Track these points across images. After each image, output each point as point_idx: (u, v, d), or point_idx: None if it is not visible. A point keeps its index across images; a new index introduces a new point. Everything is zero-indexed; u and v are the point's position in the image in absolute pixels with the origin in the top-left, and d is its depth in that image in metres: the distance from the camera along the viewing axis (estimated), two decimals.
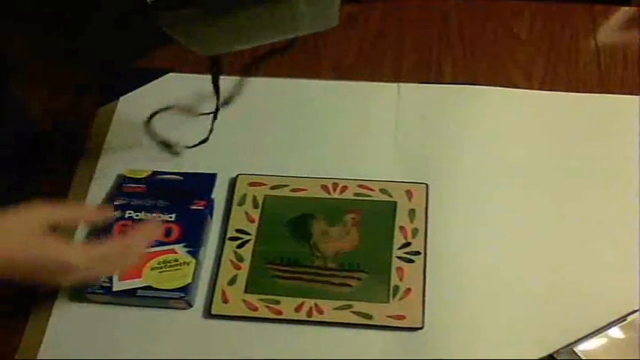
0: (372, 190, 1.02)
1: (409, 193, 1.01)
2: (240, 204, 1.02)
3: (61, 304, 0.96)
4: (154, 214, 0.99)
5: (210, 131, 1.05)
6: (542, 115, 1.10)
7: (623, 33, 1.20)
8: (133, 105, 1.15)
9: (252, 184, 1.04)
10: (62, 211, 0.83)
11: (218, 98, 1.01)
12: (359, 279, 0.95)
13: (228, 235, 1.00)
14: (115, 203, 1.00)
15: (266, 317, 0.93)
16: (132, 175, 1.04)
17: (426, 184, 1.02)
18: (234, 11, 0.81)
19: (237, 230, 1.00)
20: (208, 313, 0.94)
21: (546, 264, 0.96)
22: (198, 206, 1.00)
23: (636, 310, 0.91)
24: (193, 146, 1.07)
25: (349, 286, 0.94)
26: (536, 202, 1.02)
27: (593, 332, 0.89)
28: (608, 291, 0.94)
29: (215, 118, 1.04)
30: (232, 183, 1.05)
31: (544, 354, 0.89)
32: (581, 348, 0.88)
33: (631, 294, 0.93)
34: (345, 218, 1.00)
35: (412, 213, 0.99)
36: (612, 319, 0.90)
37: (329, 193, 1.02)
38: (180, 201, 1.00)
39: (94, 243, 0.83)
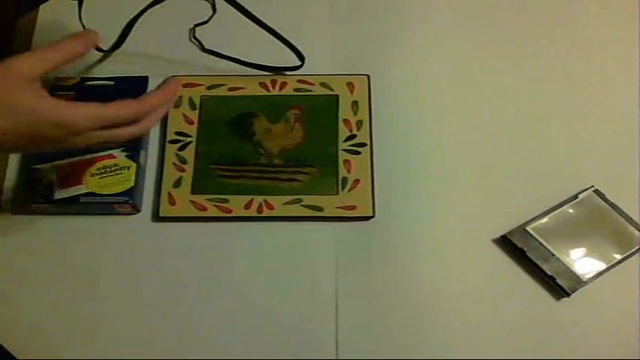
0: (312, 84, 1.02)
1: (351, 86, 1.01)
2: (176, 106, 1.00)
3: (2, 218, 0.94)
4: None
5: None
6: None
7: None
8: (55, 12, 1.09)
9: (186, 86, 1.02)
10: (46, 57, 0.75)
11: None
12: (307, 173, 0.95)
13: (168, 138, 0.98)
14: None
15: (216, 216, 0.93)
16: (61, 83, 1.01)
17: (368, 76, 1.02)
18: None
19: (177, 133, 0.98)
20: (157, 217, 0.93)
21: (496, 146, 0.99)
22: None
23: (587, 189, 0.95)
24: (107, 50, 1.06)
25: (298, 181, 0.95)
26: (483, 85, 1.04)
27: (546, 212, 0.94)
28: (560, 171, 0.98)
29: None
30: None
31: (497, 235, 0.93)
32: (533, 227, 0.92)
33: (582, 173, 0.97)
34: (288, 114, 0.99)
35: (355, 105, 1.00)
36: (564, 199, 0.95)
37: (268, 90, 1.02)
38: None
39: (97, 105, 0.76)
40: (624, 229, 0.92)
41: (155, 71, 1.03)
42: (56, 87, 1.00)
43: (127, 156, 0.94)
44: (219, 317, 0.88)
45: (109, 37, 1.05)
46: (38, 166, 0.93)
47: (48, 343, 0.87)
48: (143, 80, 1.02)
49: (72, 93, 1.00)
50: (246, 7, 0.97)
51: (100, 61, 1.05)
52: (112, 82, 1.01)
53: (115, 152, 0.94)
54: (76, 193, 0.92)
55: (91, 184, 0.92)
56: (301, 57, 1.02)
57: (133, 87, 1.01)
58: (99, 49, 1.04)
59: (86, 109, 0.74)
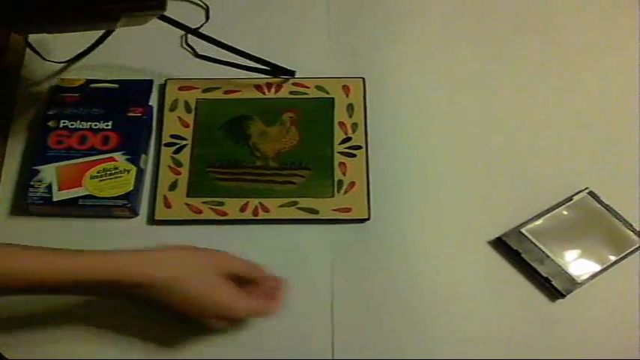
0: (307, 87, 1.02)
1: (346, 88, 1.01)
2: (172, 109, 1.01)
3: (1, 219, 0.94)
4: (89, 123, 0.97)
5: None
6: None
7: None
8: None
9: (182, 89, 1.02)
10: (244, 266, 0.85)
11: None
12: (302, 176, 0.96)
13: (164, 141, 0.99)
14: (48, 113, 0.98)
15: (211, 219, 0.93)
16: (65, 85, 1.02)
17: (363, 78, 1.02)
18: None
19: (172, 136, 0.99)
20: (152, 220, 0.94)
21: (491, 149, 0.99)
22: (135, 113, 0.98)
23: (582, 190, 0.95)
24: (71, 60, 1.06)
25: (293, 183, 0.95)
26: (478, 87, 1.04)
27: (540, 214, 0.93)
28: (554, 173, 0.97)
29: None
30: (162, 89, 1.03)
31: (492, 237, 0.93)
32: (528, 228, 0.92)
33: (576, 175, 0.97)
34: (283, 117, 1.00)
35: (350, 108, 1.00)
36: (559, 200, 0.95)
37: (263, 93, 1.02)
38: (117, 108, 0.98)
39: (251, 296, 0.83)
40: (619, 231, 0.92)
41: (150, 76, 1.04)
42: (61, 88, 1.01)
43: (127, 159, 0.94)
44: None
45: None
46: (38, 167, 0.94)
47: (44, 346, 0.87)
48: (147, 83, 1.03)
49: (77, 95, 1.00)
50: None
51: (95, 65, 1.06)
52: (117, 85, 1.02)
53: (116, 155, 0.95)
54: (74, 195, 0.92)
55: (90, 186, 0.92)
56: (290, 72, 1.03)
57: (136, 90, 1.02)
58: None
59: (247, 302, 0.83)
